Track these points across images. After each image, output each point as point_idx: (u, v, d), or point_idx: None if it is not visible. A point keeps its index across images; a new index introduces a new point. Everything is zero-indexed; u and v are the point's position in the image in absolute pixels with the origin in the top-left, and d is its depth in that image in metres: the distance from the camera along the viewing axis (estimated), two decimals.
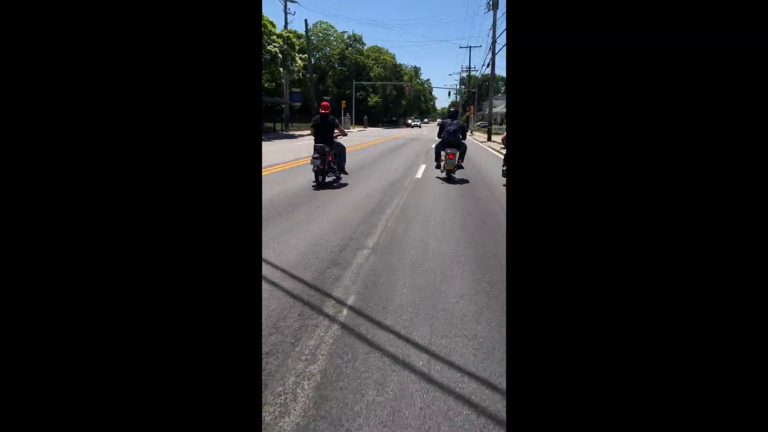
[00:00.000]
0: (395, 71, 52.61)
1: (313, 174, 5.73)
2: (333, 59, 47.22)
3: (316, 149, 5.68)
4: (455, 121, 6.83)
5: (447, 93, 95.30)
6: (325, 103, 6.04)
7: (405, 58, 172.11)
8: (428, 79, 76.73)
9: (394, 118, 55.92)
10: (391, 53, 53.33)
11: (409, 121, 50.15)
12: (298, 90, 29.88)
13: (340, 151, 6.16)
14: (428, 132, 32.05)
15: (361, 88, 46.67)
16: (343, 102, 34.35)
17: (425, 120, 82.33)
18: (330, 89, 46.17)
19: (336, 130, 5.92)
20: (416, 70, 65.95)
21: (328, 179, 6.05)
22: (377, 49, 52.15)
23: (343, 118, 32.28)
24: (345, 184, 5.99)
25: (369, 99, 47.66)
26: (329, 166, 5.89)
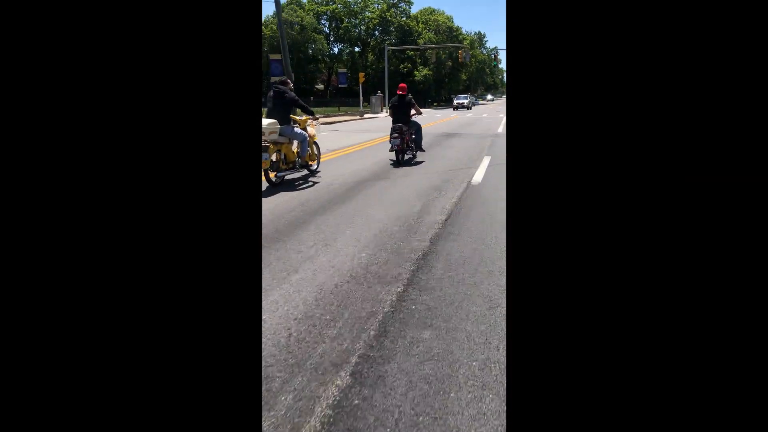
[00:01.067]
0: (451, 36, 51.55)
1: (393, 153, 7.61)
2: (371, 24, 47.60)
3: (394, 129, 7.58)
4: None
5: None
6: (402, 84, 8.09)
7: (464, 21, 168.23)
8: (495, 47, 68.10)
9: (452, 96, 54.62)
10: (447, 15, 52.56)
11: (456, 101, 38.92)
12: (278, 57, 21.74)
13: (417, 129, 8.07)
14: (490, 114, 26.52)
15: (405, 58, 46.12)
16: (361, 75, 30.15)
17: (488, 97, 75.30)
18: (370, 64, 46.54)
19: (413, 110, 7.85)
20: (480, 36, 64.00)
21: (405, 157, 7.91)
22: (429, 11, 51.90)
23: (373, 97, 29.29)
24: (421, 161, 7.83)
25: (416, 72, 46.78)
26: (407, 145, 7.79)
